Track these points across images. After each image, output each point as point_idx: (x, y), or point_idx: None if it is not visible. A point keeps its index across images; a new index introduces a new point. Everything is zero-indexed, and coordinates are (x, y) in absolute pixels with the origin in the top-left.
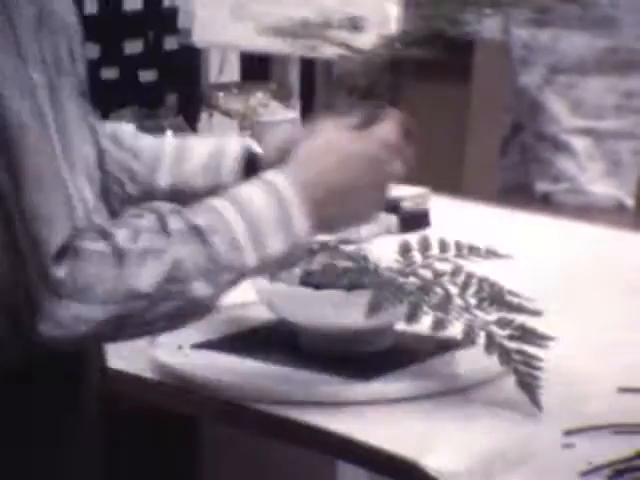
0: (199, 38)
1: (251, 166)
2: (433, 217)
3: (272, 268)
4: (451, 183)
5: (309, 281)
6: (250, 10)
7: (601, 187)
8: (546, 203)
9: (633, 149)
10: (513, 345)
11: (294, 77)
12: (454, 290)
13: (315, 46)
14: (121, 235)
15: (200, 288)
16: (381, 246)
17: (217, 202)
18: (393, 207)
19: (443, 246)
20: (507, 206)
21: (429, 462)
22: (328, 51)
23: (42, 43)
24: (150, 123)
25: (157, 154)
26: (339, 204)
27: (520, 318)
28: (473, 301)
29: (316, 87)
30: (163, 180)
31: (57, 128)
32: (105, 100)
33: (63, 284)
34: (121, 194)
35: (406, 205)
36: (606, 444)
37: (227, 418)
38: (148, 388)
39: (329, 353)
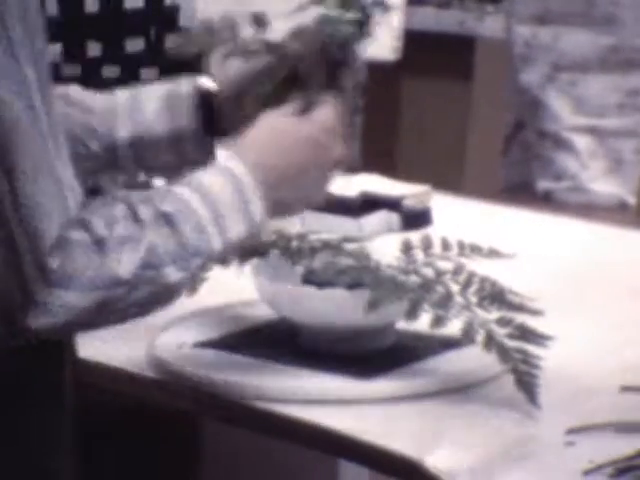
0: None
1: (207, 103)
2: (435, 215)
3: (234, 253)
4: (453, 181)
5: (311, 279)
6: (251, 9)
7: (603, 185)
8: (548, 201)
9: (635, 147)
10: (513, 344)
11: None
12: (455, 288)
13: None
14: (98, 224)
15: (172, 273)
16: (383, 244)
17: (180, 189)
18: (395, 205)
19: (445, 244)
20: (509, 204)
21: (430, 461)
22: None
23: (29, 40)
24: None
25: (112, 107)
26: (289, 187)
27: (520, 317)
28: (474, 299)
29: None
30: (123, 131)
31: (47, 121)
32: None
33: (55, 274)
34: (86, 154)
35: (408, 203)
36: (608, 443)
37: (228, 416)
38: (149, 387)
39: (330, 351)
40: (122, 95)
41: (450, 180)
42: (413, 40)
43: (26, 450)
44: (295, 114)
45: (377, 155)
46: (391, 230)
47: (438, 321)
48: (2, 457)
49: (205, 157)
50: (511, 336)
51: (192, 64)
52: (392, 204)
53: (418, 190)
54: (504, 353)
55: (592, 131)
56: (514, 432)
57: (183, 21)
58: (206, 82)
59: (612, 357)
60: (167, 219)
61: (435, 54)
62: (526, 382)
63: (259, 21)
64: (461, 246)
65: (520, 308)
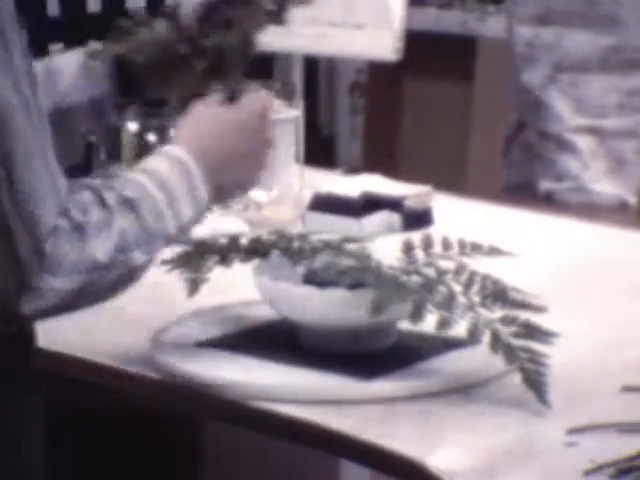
0: None
1: (122, 69)
2: (436, 215)
3: (183, 235)
4: (454, 181)
5: (312, 279)
6: None
7: (604, 186)
8: (549, 202)
9: (636, 148)
10: (518, 343)
11: (297, 76)
12: (457, 288)
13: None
14: (74, 210)
15: (138, 257)
16: (384, 244)
17: (136, 176)
18: (396, 205)
19: (446, 244)
20: (510, 205)
21: (432, 461)
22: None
23: (18, 34)
24: (154, 122)
25: None
26: (228, 172)
27: (524, 315)
28: (476, 299)
29: (319, 86)
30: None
31: (36, 110)
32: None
33: (48, 259)
34: None
35: (409, 203)
36: (610, 443)
37: (228, 416)
38: (149, 386)
39: (331, 352)
40: (36, 66)
41: (451, 180)
42: (414, 41)
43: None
44: (223, 102)
45: (379, 155)
46: (392, 230)
47: (444, 323)
48: None
49: (123, 122)
50: (516, 335)
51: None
52: (393, 204)
53: (419, 190)
54: (510, 352)
55: (593, 131)
56: (516, 432)
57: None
58: (119, 48)
59: (613, 357)
60: (130, 204)
61: (436, 55)
62: (534, 380)
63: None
64: (462, 245)
65: (523, 305)
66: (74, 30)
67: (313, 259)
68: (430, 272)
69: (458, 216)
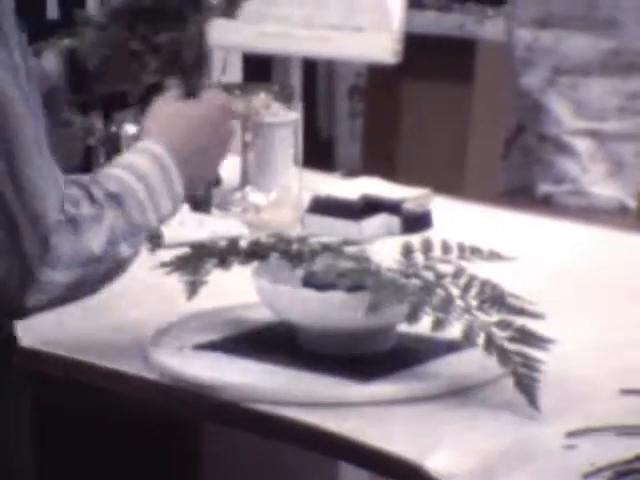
0: None
1: (75, 65)
2: (435, 218)
3: (161, 226)
4: (453, 184)
5: (311, 282)
6: (252, 11)
7: (603, 189)
8: (548, 205)
9: (636, 151)
10: (513, 347)
11: (296, 79)
12: (455, 292)
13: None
14: (66, 204)
15: (125, 250)
16: (383, 247)
17: (118, 171)
18: (395, 208)
19: (445, 247)
20: (509, 208)
21: (430, 463)
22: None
23: (15, 30)
24: None
25: None
26: (193, 165)
27: (521, 320)
28: (474, 303)
29: (318, 89)
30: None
31: (34, 105)
32: (107, 100)
33: (51, 252)
34: None
35: (408, 206)
36: (608, 446)
37: (227, 419)
38: (148, 389)
39: (330, 354)
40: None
41: (450, 183)
42: (414, 43)
43: None
44: (181, 98)
45: (378, 158)
46: (391, 233)
47: (439, 324)
48: None
49: (78, 114)
50: (511, 339)
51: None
52: (392, 207)
53: (418, 193)
54: (504, 356)
55: (592, 134)
56: (514, 435)
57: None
58: (72, 43)
59: (612, 360)
60: (116, 199)
61: (436, 57)
62: (525, 385)
63: None
64: (461, 248)
65: (520, 311)
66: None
67: (312, 262)
68: (429, 275)
69: (457, 219)
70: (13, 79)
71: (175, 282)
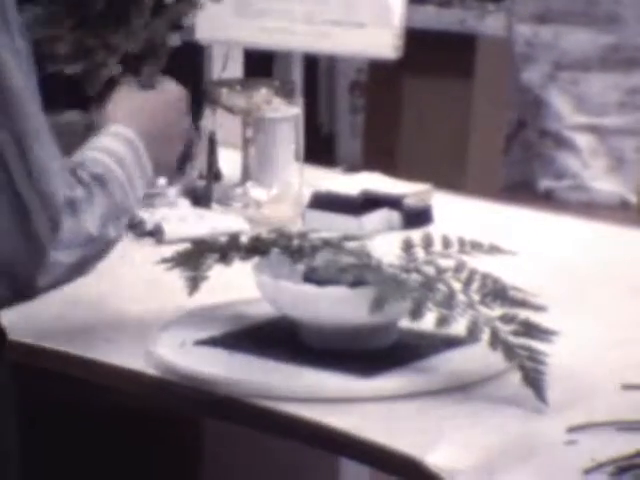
0: (202, 35)
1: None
2: (436, 214)
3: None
4: (454, 180)
5: (312, 277)
6: (253, 7)
7: (604, 184)
8: (549, 200)
9: (636, 146)
10: (518, 341)
11: (297, 74)
12: (457, 286)
13: None
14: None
15: (112, 231)
16: (384, 242)
17: (97, 154)
18: (396, 203)
19: (446, 242)
20: (510, 203)
21: (431, 459)
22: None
23: (17, 17)
24: None
25: None
26: (156, 150)
27: (524, 313)
28: (476, 297)
29: (319, 84)
30: None
31: (31, 85)
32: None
33: (60, 233)
34: None
35: (409, 202)
36: (610, 441)
37: (229, 415)
38: (149, 385)
39: (331, 350)
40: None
41: (451, 179)
42: (414, 39)
43: None
44: (139, 89)
45: (378, 153)
46: (392, 228)
47: (443, 321)
48: None
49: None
50: (516, 333)
51: (195, 63)
52: (393, 202)
53: (419, 188)
54: (510, 350)
55: (593, 130)
56: (515, 430)
57: (186, 20)
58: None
59: (613, 355)
60: (101, 181)
61: (436, 53)
62: (533, 378)
63: None
64: (462, 243)
65: (523, 304)
66: None
67: (313, 257)
68: (430, 270)
69: (458, 214)
70: (17, 65)
71: (176, 278)
